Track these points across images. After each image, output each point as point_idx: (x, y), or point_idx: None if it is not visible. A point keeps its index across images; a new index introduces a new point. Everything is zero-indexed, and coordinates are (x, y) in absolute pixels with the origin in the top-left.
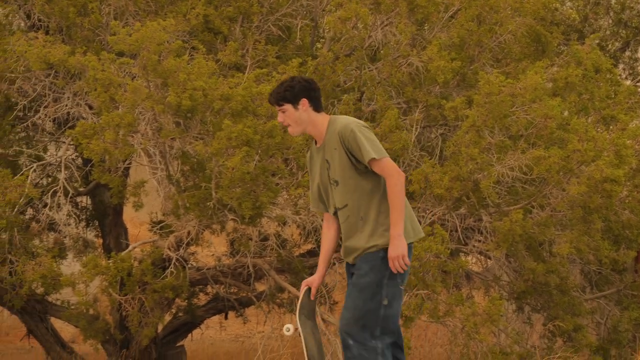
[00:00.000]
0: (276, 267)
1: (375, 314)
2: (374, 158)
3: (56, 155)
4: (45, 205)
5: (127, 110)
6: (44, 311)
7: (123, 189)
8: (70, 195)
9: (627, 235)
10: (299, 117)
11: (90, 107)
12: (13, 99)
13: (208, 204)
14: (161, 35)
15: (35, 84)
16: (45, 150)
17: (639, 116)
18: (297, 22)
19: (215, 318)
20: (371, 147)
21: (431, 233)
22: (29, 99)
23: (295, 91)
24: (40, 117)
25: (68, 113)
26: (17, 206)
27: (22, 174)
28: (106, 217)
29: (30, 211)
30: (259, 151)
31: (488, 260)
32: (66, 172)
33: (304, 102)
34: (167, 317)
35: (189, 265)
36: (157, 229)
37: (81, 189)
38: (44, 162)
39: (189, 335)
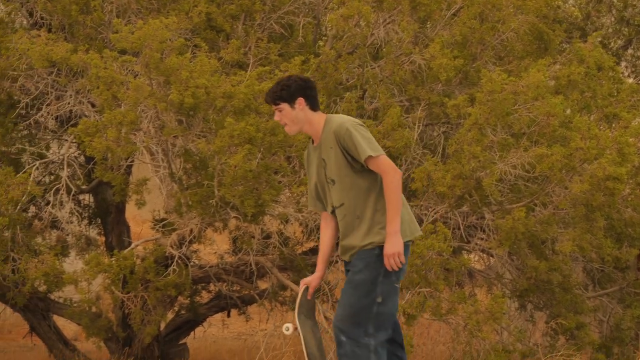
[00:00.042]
0: (278, 264)
1: (369, 311)
2: (371, 156)
3: (59, 153)
4: (47, 203)
5: (130, 108)
6: (47, 309)
7: (125, 186)
8: (72, 193)
9: (629, 233)
10: (295, 116)
11: (93, 105)
12: (15, 97)
13: (210, 201)
14: (163, 33)
15: (38, 81)
16: (47, 148)
17: None
18: (300, 20)
19: (218, 316)
20: (367, 145)
21: (434, 231)
22: (32, 96)
23: (292, 90)
24: (42, 115)
25: (70, 111)
26: (19, 204)
27: (24, 172)
28: (109, 214)
29: (32, 209)
30: (262, 149)
31: (490, 258)
32: (69, 169)
33: (301, 101)
34: (170, 315)
35: (192, 263)
36: (160, 227)
37: (84, 187)
38: (46, 160)
39: (192, 333)
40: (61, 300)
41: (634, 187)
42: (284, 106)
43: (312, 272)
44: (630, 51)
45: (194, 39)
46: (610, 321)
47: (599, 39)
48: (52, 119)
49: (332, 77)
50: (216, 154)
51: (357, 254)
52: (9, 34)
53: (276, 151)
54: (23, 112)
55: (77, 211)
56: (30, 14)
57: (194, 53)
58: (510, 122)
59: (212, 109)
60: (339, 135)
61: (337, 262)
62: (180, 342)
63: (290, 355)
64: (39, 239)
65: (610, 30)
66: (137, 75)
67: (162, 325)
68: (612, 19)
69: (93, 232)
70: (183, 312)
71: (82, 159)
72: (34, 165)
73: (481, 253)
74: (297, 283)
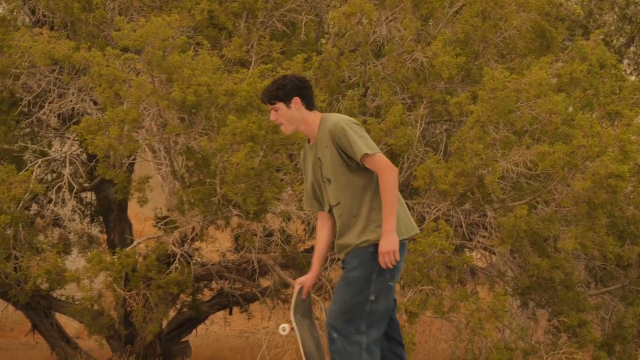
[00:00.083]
0: (281, 262)
1: (362, 309)
2: (367, 154)
3: (61, 150)
4: (50, 201)
5: (132, 106)
6: (49, 307)
7: (128, 184)
8: (74, 190)
9: (631, 231)
10: (291, 116)
11: (95, 103)
12: (18, 95)
13: (213, 199)
14: (166, 30)
15: (40, 79)
16: (50, 145)
17: None
18: (302, 18)
19: (220, 314)
20: (363, 143)
21: (436, 229)
22: (34, 94)
23: (288, 89)
24: (45, 113)
25: (73, 109)
26: (21, 202)
27: (26, 170)
28: (111, 212)
29: (35, 207)
30: (264, 147)
31: (492, 255)
32: (71, 167)
33: (296, 101)
34: (172, 313)
35: (194, 261)
36: (162, 225)
37: (86, 185)
38: (48, 157)
39: (194, 330)
40: (63, 298)
41: (636, 184)
42: (280, 105)
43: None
44: (632, 49)
45: (196, 36)
46: (612, 319)
47: (602, 37)
48: (55, 116)
49: (334, 75)
50: (218, 152)
51: (353, 251)
52: (11, 32)
53: (278, 149)
54: (25, 109)
55: (79, 209)
56: (33, 12)
57: (196, 51)
58: (512, 119)
59: (215, 106)
60: (334, 134)
61: (339, 260)
62: (182, 340)
63: (292, 352)
64: (41, 237)
65: (612, 27)
66: (140, 73)
67: (164, 323)
68: (615, 17)
69: (95, 230)
70: (185, 310)
71: (84, 156)
72: (36, 163)
73: (483, 251)
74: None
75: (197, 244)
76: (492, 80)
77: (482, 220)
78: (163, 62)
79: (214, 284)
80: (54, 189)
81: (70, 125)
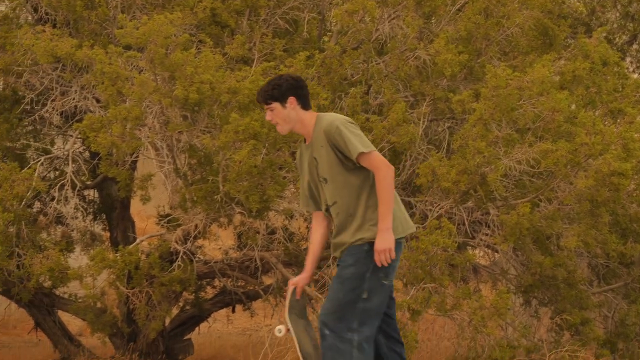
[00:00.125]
0: (283, 260)
1: (354, 307)
2: (363, 152)
3: (63, 148)
4: (52, 199)
5: (135, 104)
6: (52, 304)
7: (130, 182)
8: (77, 188)
9: (634, 229)
10: (287, 116)
11: (98, 101)
12: (20, 93)
13: (215, 197)
14: (168, 28)
15: (43, 77)
16: (52, 143)
17: None
18: (304, 16)
19: (223, 311)
20: (358, 141)
21: (438, 226)
22: (37, 92)
23: (283, 89)
24: (47, 111)
25: (75, 106)
26: (24, 199)
27: (29, 168)
28: (113, 210)
29: (37, 204)
30: (266, 144)
31: (495, 253)
32: (73, 165)
33: (292, 100)
34: (175, 311)
35: (196, 259)
36: (165, 223)
37: (88, 183)
38: (51, 155)
39: (197, 328)
40: (66, 296)
41: (639, 182)
42: (276, 105)
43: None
44: (635, 46)
45: (198, 34)
46: (615, 317)
47: (604, 35)
48: (57, 114)
49: (336, 73)
50: (221, 150)
51: (348, 249)
52: (13, 30)
53: (281, 147)
54: (28, 107)
55: (82, 207)
56: (35, 10)
57: (198, 48)
58: (515, 117)
59: (217, 104)
60: (329, 134)
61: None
62: (185, 338)
63: (294, 350)
64: (44, 235)
65: (615, 25)
66: (142, 70)
67: (167, 321)
68: (617, 15)
69: (98, 228)
70: (188, 307)
71: (87, 154)
72: (38, 161)
73: (486, 249)
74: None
75: (199, 241)
76: (495, 78)
77: (484, 218)
78: (165, 60)
79: (216, 282)
80: (57, 187)
81: (72, 123)
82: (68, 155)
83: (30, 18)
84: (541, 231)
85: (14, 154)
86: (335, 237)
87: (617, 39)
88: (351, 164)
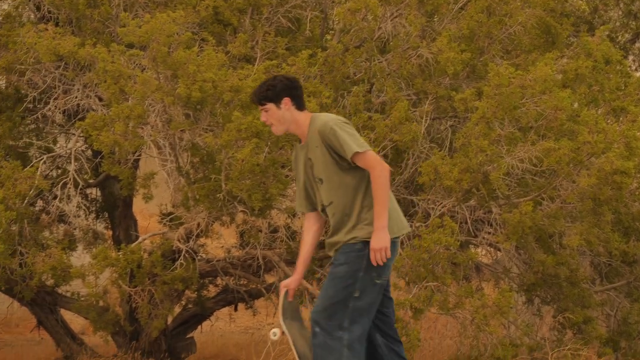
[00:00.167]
0: (286, 258)
1: (345, 305)
2: (358, 152)
3: (66, 147)
4: (55, 197)
5: (137, 102)
6: (54, 303)
7: (133, 180)
8: (80, 187)
9: (637, 227)
10: (282, 116)
11: (100, 99)
12: (23, 91)
13: (218, 195)
14: (171, 27)
15: (45, 75)
16: (55, 142)
17: None
18: (307, 14)
19: (225, 310)
20: (353, 141)
21: (441, 225)
22: (39, 90)
23: (277, 90)
24: (50, 109)
25: (78, 105)
26: (27, 198)
27: (32, 166)
28: (116, 208)
29: (40, 203)
30: (269, 143)
31: (498, 252)
32: (76, 163)
33: (287, 101)
34: (177, 309)
35: (199, 257)
36: (167, 221)
37: (91, 181)
38: (53, 154)
39: (199, 327)
40: (68, 294)
41: None
42: (270, 106)
43: (320, 267)
44: (637, 45)
45: (201, 32)
46: (617, 315)
47: (607, 33)
48: (60, 112)
49: (339, 71)
50: (223, 148)
51: (341, 248)
52: (16, 28)
53: (283, 145)
54: (30, 106)
55: (85, 205)
56: (38, 8)
57: (201, 47)
58: (517, 115)
59: (220, 102)
60: (324, 135)
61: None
62: (187, 336)
63: None
64: (46, 233)
65: (617, 23)
66: (145, 69)
67: (169, 319)
68: (620, 13)
69: (100, 226)
70: (190, 306)
71: (89, 152)
72: (41, 159)
73: (488, 247)
74: (304, 277)
75: (202, 240)
76: (497, 76)
77: (487, 217)
78: (168, 59)
79: (219, 280)
80: (59, 185)
81: (75, 121)
82: (70, 153)
83: (32, 16)
84: (544, 230)
85: (17, 152)
86: (331, 237)
87: (619, 38)
88: (346, 164)
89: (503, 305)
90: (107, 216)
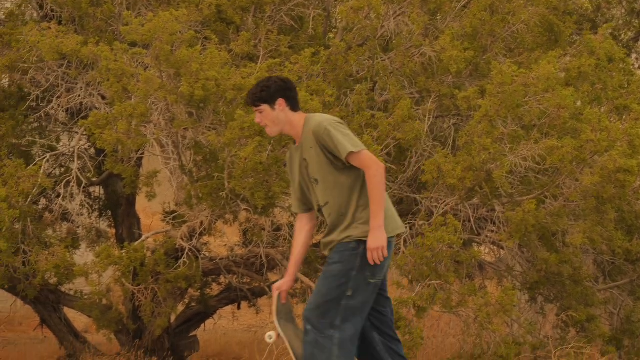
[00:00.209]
0: (289, 257)
1: (337, 303)
2: (352, 152)
3: (69, 145)
4: (58, 196)
5: (140, 101)
6: (57, 301)
7: (136, 179)
8: (83, 185)
9: None
10: (276, 117)
11: (103, 98)
12: (26, 90)
13: (221, 194)
14: (174, 25)
15: (48, 74)
16: (58, 140)
17: None
18: (310, 12)
19: (228, 308)
20: (348, 141)
21: (444, 223)
22: (42, 89)
23: (272, 91)
24: (53, 108)
25: (81, 103)
26: (30, 196)
27: (35, 164)
28: (119, 207)
29: (43, 201)
30: (272, 141)
31: (501, 250)
32: (79, 162)
33: (281, 102)
34: (180, 307)
35: (202, 256)
36: (170, 219)
37: (94, 179)
38: (57, 152)
39: (202, 325)
40: (72, 293)
41: None
42: (265, 107)
43: (322, 265)
44: None
45: (204, 31)
46: (620, 314)
47: (610, 31)
48: (63, 111)
49: (342, 70)
50: (226, 147)
51: (335, 247)
52: (19, 27)
53: (286, 143)
54: (33, 104)
55: (88, 203)
56: (41, 7)
57: (204, 45)
58: (520, 114)
59: (223, 101)
60: (318, 135)
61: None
62: (190, 335)
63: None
64: (49, 232)
65: (620, 22)
66: (148, 67)
67: (173, 318)
68: (623, 11)
69: (103, 225)
70: (193, 304)
71: (92, 151)
72: (44, 158)
73: (491, 245)
74: (308, 275)
75: (205, 238)
76: (500, 74)
77: (490, 215)
78: (171, 57)
79: (222, 279)
80: (63, 184)
81: (78, 119)
82: (74, 152)
83: (35, 15)
84: (547, 228)
85: (20, 150)
86: (326, 236)
87: (622, 36)
88: (341, 164)
89: (506, 304)
90: (110, 214)
